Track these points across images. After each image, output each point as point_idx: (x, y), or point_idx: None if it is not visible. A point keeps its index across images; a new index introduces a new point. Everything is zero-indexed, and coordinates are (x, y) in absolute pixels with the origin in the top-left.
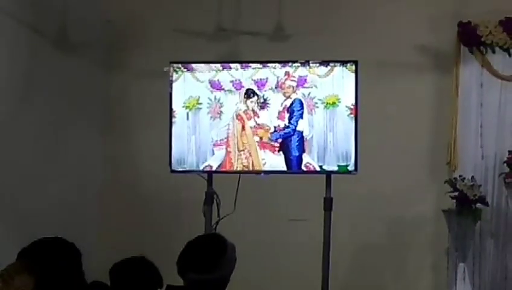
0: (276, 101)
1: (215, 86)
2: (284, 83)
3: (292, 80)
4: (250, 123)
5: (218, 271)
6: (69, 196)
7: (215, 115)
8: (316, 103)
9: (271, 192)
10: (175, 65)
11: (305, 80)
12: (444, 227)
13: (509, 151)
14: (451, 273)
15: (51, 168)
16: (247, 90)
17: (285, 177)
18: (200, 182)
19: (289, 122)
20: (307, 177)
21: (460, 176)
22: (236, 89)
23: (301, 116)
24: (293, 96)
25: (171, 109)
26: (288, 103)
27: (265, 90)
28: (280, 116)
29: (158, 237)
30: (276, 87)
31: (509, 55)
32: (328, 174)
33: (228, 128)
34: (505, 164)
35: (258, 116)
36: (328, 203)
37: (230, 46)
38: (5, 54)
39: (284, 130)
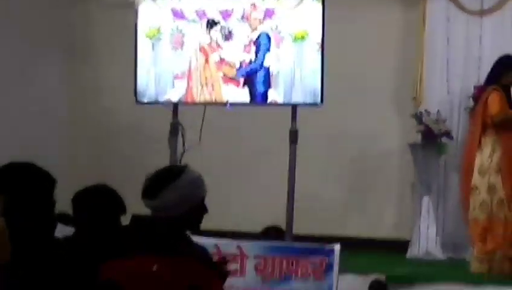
0: (242, 33)
1: (178, 15)
2: (250, 14)
3: (259, 12)
4: (214, 57)
5: (161, 198)
6: (33, 127)
7: (177, 46)
8: (284, 37)
9: (236, 125)
10: None
11: (273, 12)
12: (409, 161)
13: (474, 86)
14: (415, 207)
15: (15, 99)
16: (209, 20)
17: (250, 111)
18: (164, 114)
19: (255, 57)
20: (273, 111)
21: (426, 110)
22: (200, 19)
23: (268, 50)
24: (260, 28)
25: (136, 39)
26: (254, 36)
27: (230, 21)
28: (246, 49)
29: (124, 169)
30: (242, 19)
31: None
32: (294, 106)
33: (190, 61)
34: (471, 99)
35: (222, 48)
36: (293, 136)
37: None
38: None
39: (249, 65)
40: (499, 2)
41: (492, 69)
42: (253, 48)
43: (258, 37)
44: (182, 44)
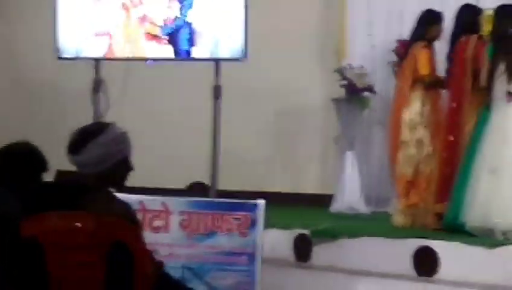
0: None
1: None
2: None
3: None
4: (135, 12)
5: (87, 152)
6: None
7: (95, 1)
8: None
9: (159, 82)
10: None
11: None
12: (333, 115)
13: (397, 40)
14: (339, 161)
15: None
16: None
17: (173, 67)
18: (86, 69)
19: (180, 13)
20: (196, 67)
21: (349, 64)
22: None
23: (191, 6)
24: None
25: None
26: None
27: None
28: (169, 5)
29: (46, 125)
30: None
31: None
32: (217, 61)
33: (111, 17)
34: (393, 52)
35: (144, 4)
36: (217, 91)
37: None
38: None
39: (174, 22)
40: None
41: (416, 24)
42: (177, 4)
43: None
44: None
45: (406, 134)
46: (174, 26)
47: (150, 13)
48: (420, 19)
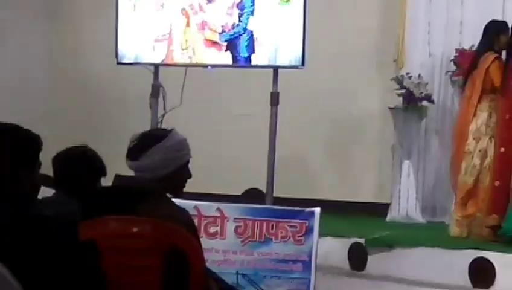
0: None
1: None
2: None
3: None
4: (195, 19)
5: (148, 158)
6: (15, 88)
7: (157, 8)
8: None
9: (217, 88)
10: None
11: None
12: (389, 124)
13: (456, 49)
14: (396, 170)
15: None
16: None
17: (231, 73)
18: (145, 75)
19: (239, 20)
20: (254, 74)
21: (407, 73)
22: None
23: (252, 13)
24: None
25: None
26: None
27: None
28: (229, 12)
29: (105, 129)
30: None
31: None
32: (275, 68)
33: (171, 24)
34: (452, 62)
35: (204, 12)
36: (274, 98)
37: None
38: None
39: (233, 29)
40: None
41: (484, 35)
42: (237, 11)
43: None
44: (162, 5)
45: (471, 144)
46: (233, 33)
47: (210, 20)
48: (487, 29)
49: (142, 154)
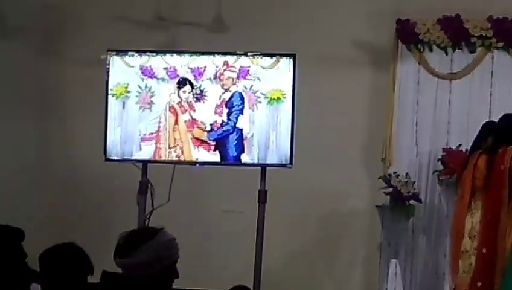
0: (214, 94)
1: (147, 72)
2: (222, 74)
3: (232, 71)
4: (184, 117)
5: (136, 256)
6: (2, 181)
7: (145, 106)
8: (259, 98)
9: (205, 185)
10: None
11: (248, 71)
12: (377, 222)
13: (443, 148)
14: (383, 269)
15: None
16: (180, 79)
17: (220, 171)
18: (133, 171)
19: (228, 119)
20: (242, 173)
21: (394, 172)
22: (171, 78)
23: (241, 111)
24: (233, 88)
25: (107, 96)
26: (227, 96)
27: (202, 80)
28: (217, 111)
29: (92, 226)
30: (214, 78)
31: (446, 53)
32: (263, 166)
33: (159, 122)
34: (439, 162)
35: (194, 110)
36: (262, 196)
37: (169, 36)
38: None
39: (221, 127)
40: (468, 66)
41: (477, 136)
42: (225, 110)
43: (231, 97)
44: (150, 103)
45: (467, 243)
46: (221, 132)
47: (199, 118)
48: (481, 131)
49: (131, 252)
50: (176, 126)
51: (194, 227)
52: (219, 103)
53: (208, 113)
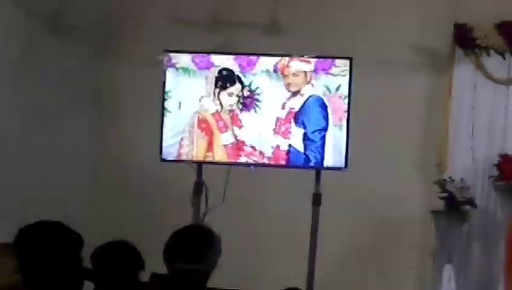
0: (274, 98)
1: (167, 64)
2: (288, 65)
3: (304, 61)
4: (224, 138)
5: (205, 262)
6: (61, 182)
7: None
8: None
9: (259, 185)
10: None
11: (333, 64)
12: (431, 227)
13: (499, 154)
14: (437, 274)
15: (43, 154)
16: (223, 72)
17: (273, 173)
18: (188, 172)
19: (304, 150)
20: (297, 174)
21: (449, 177)
22: (200, 68)
23: (326, 129)
24: (307, 91)
25: (163, 97)
26: (297, 104)
27: (253, 74)
28: (280, 129)
29: (146, 226)
30: (274, 71)
31: (504, 58)
32: (318, 169)
33: (180, 146)
34: (495, 167)
35: (241, 126)
36: (316, 199)
37: (225, 36)
38: (3, 35)
39: (288, 154)
40: None
41: None
42: (296, 128)
43: (304, 105)
44: (165, 110)
45: None
46: (290, 163)
47: (247, 139)
48: None
49: (199, 258)
50: (209, 153)
51: (248, 228)
52: (283, 116)
53: (263, 131)
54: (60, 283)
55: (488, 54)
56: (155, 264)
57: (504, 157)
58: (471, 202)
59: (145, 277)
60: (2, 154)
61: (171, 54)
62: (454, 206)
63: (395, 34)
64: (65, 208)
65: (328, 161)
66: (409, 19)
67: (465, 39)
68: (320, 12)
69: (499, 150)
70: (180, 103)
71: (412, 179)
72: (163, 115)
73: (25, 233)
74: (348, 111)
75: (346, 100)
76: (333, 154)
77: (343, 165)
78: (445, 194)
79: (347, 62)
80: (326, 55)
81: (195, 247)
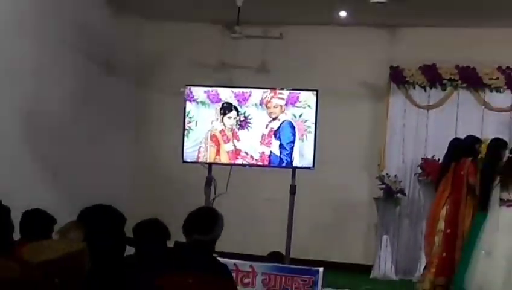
0: (260, 121)
1: (188, 97)
2: (269, 101)
3: (279, 98)
4: (227, 147)
5: (213, 233)
6: (110, 179)
7: (184, 132)
8: (309, 127)
9: (251, 179)
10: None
11: (298, 98)
12: (374, 209)
13: (422, 158)
14: (378, 242)
15: (98, 162)
16: (225, 104)
17: (261, 171)
18: (202, 171)
19: (280, 155)
20: (279, 172)
21: (387, 174)
22: (212, 102)
23: (293, 142)
24: (282, 117)
25: (184, 119)
26: (275, 125)
27: (246, 106)
28: (265, 141)
29: (172, 208)
30: (260, 104)
31: (425, 91)
32: (294, 168)
33: (199, 151)
34: (419, 167)
35: (238, 139)
36: (292, 189)
37: (228, 75)
38: (69, 74)
39: (270, 158)
40: (441, 100)
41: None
42: (275, 141)
43: (280, 126)
44: (188, 130)
45: (441, 224)
46: (271, 164)
47: (243, 148)
48: (449, 145)
49: (209, 230)
50: (217, 157)
51: (244, 210)
52: (266, 133)
53: (253, 143)
54: (110, 247)
55: (414, 88)
56: (179, 235)
57: (425, 160)
58: (402, 191)
59: (170, 244)
60: (70, 163)
61: (191, 88)
62: (390, 194)
63: (349, 73)
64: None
65: (296, 162)
66: (359, 63)
67: (397, 77)
68: (297, 58)
69: (421, 155)
70: (196, 122)
71: (360, 175)
72: (184, 131)
73: (88, 212)
74: (315, 128)
75: (307, 123)
76: (299, 157)
77: (311, 165)
78: (383, 186)
79: (308, 97)
80: (300, 88)
81: (205, 223)
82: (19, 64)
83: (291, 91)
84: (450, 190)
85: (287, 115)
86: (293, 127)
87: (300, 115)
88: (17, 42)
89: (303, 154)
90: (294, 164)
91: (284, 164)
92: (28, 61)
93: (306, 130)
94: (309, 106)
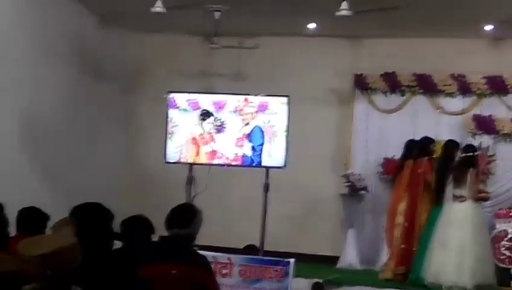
0: (234, 126)
1: (171, 104)
2: (242, 109)
3: (251, 106)
4: (205, 148)
5: (192, 227)
6: (100, 179)
7: (167, 135)
8: (276, 132)
9: (228, 178)
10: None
11: (267, 106)
12: (340, 204)
13: (383, 157)
14: (343, 235)
15: (90, 162)
16: (204, 111)
17: (236, 170)
18: (183, 170)
19: (251, 156)
20: (253, 171)
21: (352, 172)
22: (193, 109)
23: (262, 145)
24: (253, 123)
25: (166, 122)
26: (247, 130)
27: (223, 113)
28: (239, 143)
29: (156, 204)
30: (235, 112)
31: (386, 96)
32: (267, 168)
33: (181, 153)
34: (381, 166)
35: (215, 141)
36: (266, 187)
37: (207, 83)
38: (64, 85)
39: (242, 159)
40: (400, 104)
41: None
42: (247, 143)
43: (252, 131)
44: (171, 134)
45: (399, 218)
46: (244, 164)
47: (220, 150)
48: (405, 145)
49: (188, 224)
50: (197, 157)
51: (222, 205)
52: (240, 136)
53: (228, 145)
54: (100, 241)
55: (376, 94)
56: (162, 229)
57: (386, 159)
58: (365, 188)
59: (155, 238)
60: (63, 165)
61: (173, 94)
62: (354, 191)
63: (317, 80)
64: (105, 195)
65: (265, 162)
66: (327, 71)
67: (361, 84)
68: (270, 66)
69: (383, 155)
70: (178, 127)
71: (328, 173)
72: (166, 135)
73: (79, 209)
74: (287, 130)
75: (274, 128)
76: (267, 158)
77: (283, 164)
78: (349, 183)
79: (276, 105)
80: (272, 94)
81: (184, 217)
82: (17, 73)
83: (262, 100)
84: (407, 187)
85: (258, 121)
86: (262, 132)
87: (269, 121)
88: (12, 52)
89: (271, 154)
90: (263, 163)
91: (254, 164)
92: (23, 71)
93: (273, 134)
94: (276, 113)
